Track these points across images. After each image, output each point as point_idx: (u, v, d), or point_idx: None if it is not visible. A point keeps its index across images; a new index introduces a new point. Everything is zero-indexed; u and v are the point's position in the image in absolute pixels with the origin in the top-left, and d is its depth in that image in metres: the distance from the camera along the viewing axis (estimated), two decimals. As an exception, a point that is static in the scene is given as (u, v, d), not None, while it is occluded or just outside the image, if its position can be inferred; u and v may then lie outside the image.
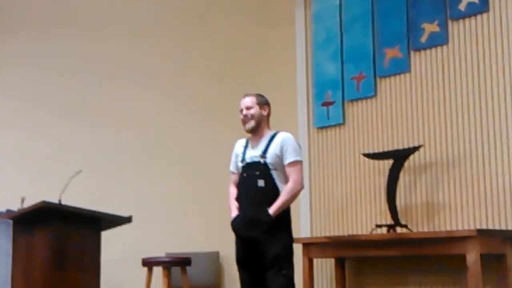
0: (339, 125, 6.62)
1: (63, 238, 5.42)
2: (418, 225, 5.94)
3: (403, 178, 6.02)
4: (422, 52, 6.08)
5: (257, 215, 4.79)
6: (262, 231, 4.77)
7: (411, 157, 5.92)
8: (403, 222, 5.90)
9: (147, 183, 7.24)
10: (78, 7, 7.57)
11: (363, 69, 6.46)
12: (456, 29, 5.87)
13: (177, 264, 6.25)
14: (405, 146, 6.03)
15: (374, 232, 5.98)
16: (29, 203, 5.64)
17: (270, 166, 4.86)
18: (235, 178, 5.09)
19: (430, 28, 6.00)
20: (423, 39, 6.05)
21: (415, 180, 6.02)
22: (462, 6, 5.80)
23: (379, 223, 6.09)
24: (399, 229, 5.84)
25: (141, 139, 7.35)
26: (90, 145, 7.30)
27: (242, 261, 4.94)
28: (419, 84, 6.08)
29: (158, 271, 6.24)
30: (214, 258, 7.07)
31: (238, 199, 4.98)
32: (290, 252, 4.88)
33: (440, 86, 5.93)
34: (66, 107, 7.42)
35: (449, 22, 5.91)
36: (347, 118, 6.58)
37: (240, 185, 5.00)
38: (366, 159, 6.24)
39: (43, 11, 7.57)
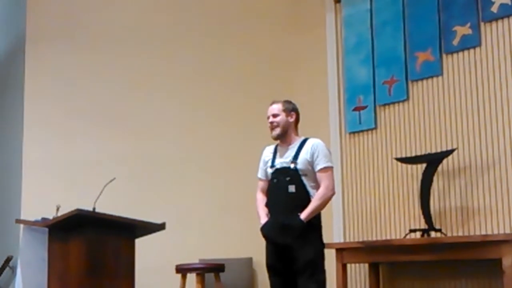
0: (371, 129, 6.59)
1: (98, 246, 5.47)
2: (453, 229, 5.89)
3: (437, 182, 5.96)
4: (455, 55, 6.03)
5: (289, 220, 4.79)
6: (293, 237, 4.76)
7: (444, 161, 5.87)
8: (437, 227, 5.85)
9: (180, 190, 7.26)
10: (111, 18, 7.62)
11: (394, 73, 6.43)
12: (488, 31, 5.81)
13: (210, 270, 6.28)
14: (438, 150, 5.98)
15: (408, 237, 5.94)
16: (64, 211, 5.70)
17: (300, 172, 4.86)
18: (262, 185, 5.10)
19: (462, 30, 5.95)
20: (455, 41, 6.00)
21: (449, 184, 5.96)
22: (494, 8, 5.75)
23: (412, 227, 6.05)
24: (433, 234, 5.79)
25: (174, 148, 7.37)
26: (123, 154, 7.34)
27: (273, 266, 4.94)
28: (451, 87, 6.03)
29: (191, 277, 6.26)
30: (248, 264, 7.08)
31: (268, 205, 4.98)
32: (321, 257, 4.87)
33: (473, 88, 5.87)
34: (100, 116, 7.47)
35: (482, 24, 5.85)
36: (379, 122, 6.55)
37: (270, 191, 5.00)
38: (399, 163, 6.20)
39: (78, 23, 7.64)
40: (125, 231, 5.65)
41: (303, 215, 4.76)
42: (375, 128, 6.55)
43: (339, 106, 6.89)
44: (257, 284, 7.13)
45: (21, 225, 6.53)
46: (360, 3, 6.76)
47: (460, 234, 5.81)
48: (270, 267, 4.96)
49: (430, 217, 5.80)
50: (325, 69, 7.05)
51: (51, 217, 6.01)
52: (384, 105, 6.51)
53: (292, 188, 4.84)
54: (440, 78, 6.12)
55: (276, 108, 5.04)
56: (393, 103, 6.43)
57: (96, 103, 7.50)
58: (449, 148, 5.90)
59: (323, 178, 4.87)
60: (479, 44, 5.86)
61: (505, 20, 5.70)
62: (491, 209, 5.66)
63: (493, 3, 5.76)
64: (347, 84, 6.83)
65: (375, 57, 6.61)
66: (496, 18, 5.75)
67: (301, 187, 4.85)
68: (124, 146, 7.38)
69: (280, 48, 7.41)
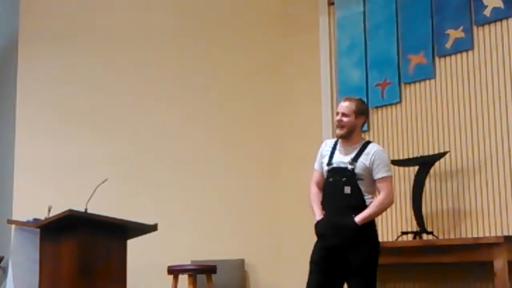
0: (364, 132, 6.58)
1: (90, 247, 5.47)
2: (445, 232, 5.90)
3: (429, 185, 5.98)
4: (447, 58, 6.04)
5: (343, 221, 4.73)
6: (346, 238, 4.70)
7: (436, 164, 5.88)
8: (429, 229, 5.86)
9: (172, 191, 7.26)
10: (105, 20, 7.62)
11: (387, 75, 6.44)
12: (481, 34, 5.83)
13: (202, 271, 6.28)
14: (431, 153, 5.99)
15: (400, 239, 5.95)
16: (55, 212, 5.69)
17: (357, 175, 4.79)
18: (317, 176, 5.01)
19: (455, 34, 5.97)
20: (448, 45, 6.02)
21: (441, 187, 5.98)
22: (487, 12, 5.77)
23: (404, 230, 6.06)
24: (425, 236, 5.80)
25: (166, 150, 7.36)
26: (116, 155, 7.34)
27: (318, 263, 4.81)
28: (444, 90, 6.04)
29: (183, 279, 6.26)
30: (240, 265, 7.07)
31: (322, 203, 4.91)
32: (374, 262, 4.78)
33: (466, 91, 5.89)
34: (92, 118, 7.46)
35: (474, 28, 5.87)
36: (371, 125, 6.55)
37: (325, 190, 4.92)
38: (391, 165, 6.20)
39: (70, 24, 7.62)
40: (117, 232, 5.65)
41: (358, 218, 4.70)
42: (368, 130, 6.55)
43: (332, 108, 6.87)
44: (249, 285, 7.13)
45: (13, 226, 6.52)
46: (353, 6, 6.77)
47: (452, 236, 5.82)
48: (315, 263, 4.83)
49: (422, 220, 5.81)
50: (318, 71, 7.04)
51: (43, 218, 6.00)
52: (377, 107, 6.52)
53: (347, 190, 4.77)
54: (432, 81, 6.13)
55: (348, 107, 4.91)
56: (386, 105, 6.45)
57: (88, 105, 7.49)
58: (442, 151, 5.91)
59: (383, 187, 4.81)
60: (472, 48, 5.87)
61: (498, 23, 5.72)
62: (482, 212, 5.67)
63: (486, 6, 5.77)
64: (340, 86, 6.83)
65: (368, 60, 6.61)
66: (488, 21, 5.76)
67: (356, 189, 4.78)
68: (117, 147, 7.38)
69: (273, 50, 7.41)
